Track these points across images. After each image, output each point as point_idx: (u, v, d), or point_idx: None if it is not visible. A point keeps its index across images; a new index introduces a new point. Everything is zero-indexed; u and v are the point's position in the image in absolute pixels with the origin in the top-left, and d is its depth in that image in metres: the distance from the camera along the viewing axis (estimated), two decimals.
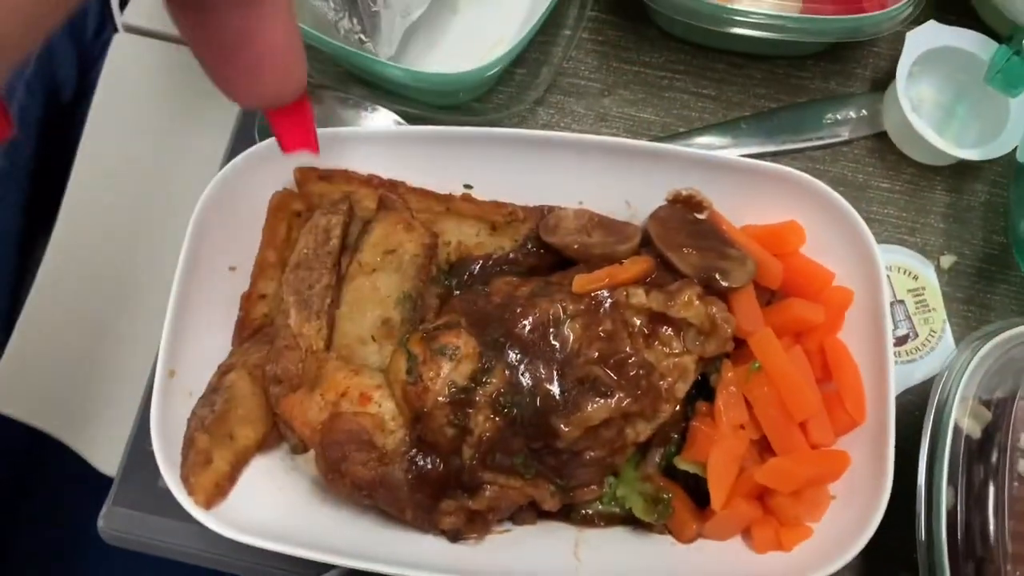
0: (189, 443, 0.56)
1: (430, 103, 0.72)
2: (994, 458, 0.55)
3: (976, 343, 0.57)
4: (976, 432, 0.57)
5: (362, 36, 0.66)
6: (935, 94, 0.72)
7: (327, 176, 0.62)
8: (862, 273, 0.60)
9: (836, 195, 0.60)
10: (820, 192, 0.60)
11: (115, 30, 0.83)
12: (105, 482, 0.64)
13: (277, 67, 0.32)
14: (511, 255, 0.65)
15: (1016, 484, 0.54)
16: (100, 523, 0.62)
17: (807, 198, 0.61)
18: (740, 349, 0.60)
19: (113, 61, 0.81)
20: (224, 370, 0.59)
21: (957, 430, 0.56)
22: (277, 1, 0.30)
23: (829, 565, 0.53)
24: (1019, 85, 0.63)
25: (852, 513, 0.55)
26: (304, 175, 0.62)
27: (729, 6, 0.66)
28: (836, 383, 0.58)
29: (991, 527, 0.54)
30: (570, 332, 0.57)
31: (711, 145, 0.72)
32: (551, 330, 0.57)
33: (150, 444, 0.56)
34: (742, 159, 0.63)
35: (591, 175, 0.64)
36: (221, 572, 0.63)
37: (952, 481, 0.57)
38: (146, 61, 0.81)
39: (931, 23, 0.69)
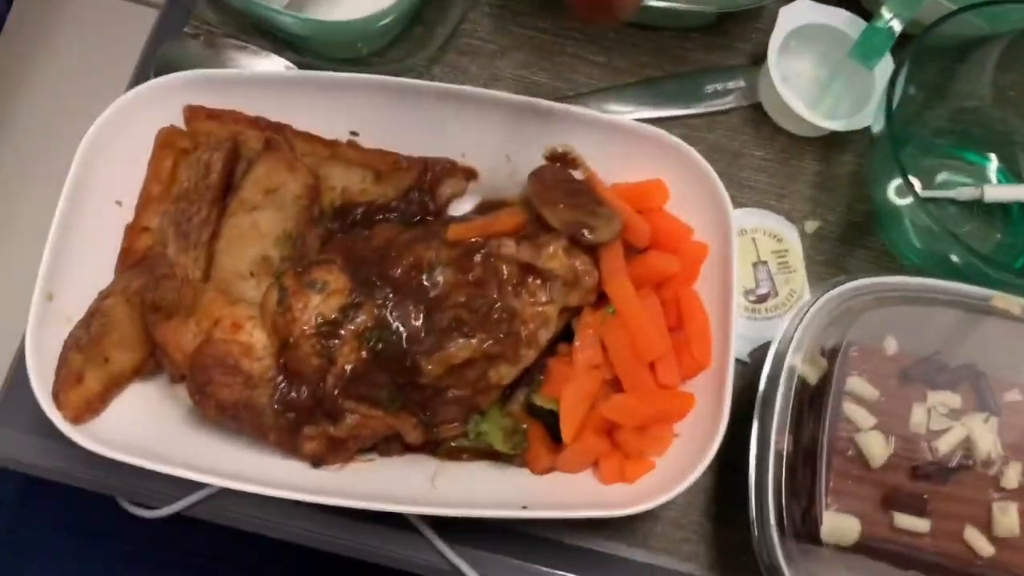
0: (62, 362, 0.58)
1: (330, 56, 0.74)
2: (823, 404, 0.59)
3: (818, 295, 0.61)
4: (814, 380, 0.61)
5: None
6: (811, 69, 0.76)
7: (215, 115, 0.64)
8: (717, 230, 0.63)
9: (698, 156, 0.63)
10: (684, 153, 0.64)
11: None
12: None
13: None
14: (394, 203, 0.67)
15: (842, 424, 0.58)
16: None
17: (673, 158, 0.64)
18: (605, 299, 0.63)
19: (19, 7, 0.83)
20: (103, 296, 0.61)
21: (794, 377, 0.60)
22: None
23: (663, 496, 0.57)
24: (874, 57, 0.66)
25: (692, 450, 0.59)
26: (192, 113, 0.64)
27: None
28: (686, 330, 0.62)
29: (815, 471, 0.58)
30: (441, 277, 0.61)
31: (597, 108, 0.75)
32: (423, 274, 0.61)
33: None
34: (616, 118, 0.66)
35: (474, 128, 0.67)
36: (97, 493, 0.65)
37: (789, 427, 0.60)
38: (54, 6, 0.83)
39: (804, 1, 0.73)
